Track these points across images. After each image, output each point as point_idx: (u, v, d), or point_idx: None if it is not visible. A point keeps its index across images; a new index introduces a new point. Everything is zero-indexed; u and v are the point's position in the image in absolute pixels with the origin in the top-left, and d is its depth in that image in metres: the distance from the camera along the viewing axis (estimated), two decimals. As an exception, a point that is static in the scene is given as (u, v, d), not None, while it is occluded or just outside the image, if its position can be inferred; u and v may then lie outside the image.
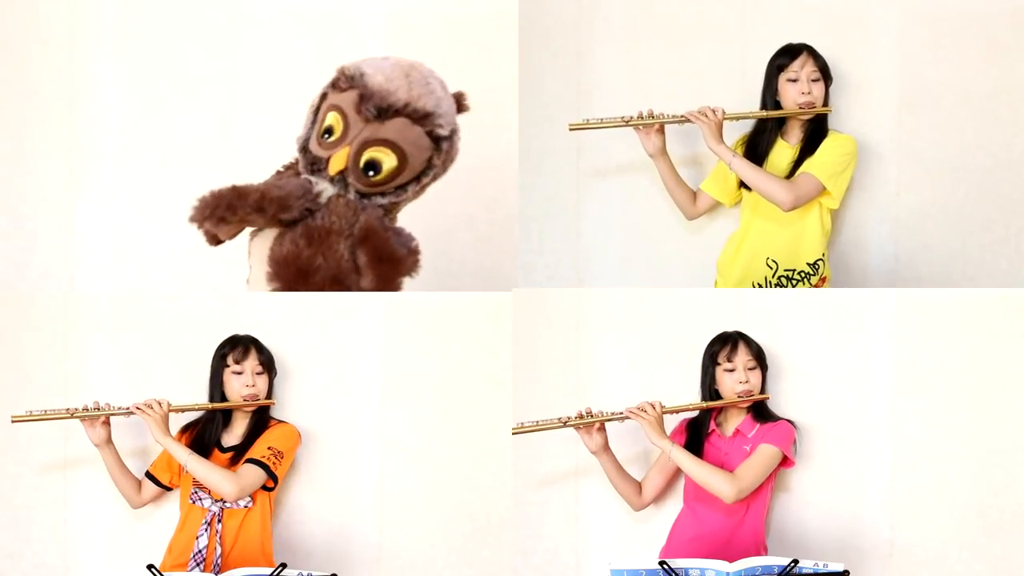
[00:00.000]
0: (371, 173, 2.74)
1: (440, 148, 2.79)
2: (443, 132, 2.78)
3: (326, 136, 2.77)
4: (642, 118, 3.31)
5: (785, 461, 3.09)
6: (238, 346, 3.20)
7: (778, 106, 3.36)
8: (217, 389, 3.19)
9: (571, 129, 3.31)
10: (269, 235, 2.86)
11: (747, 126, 3.45)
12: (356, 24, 3.63)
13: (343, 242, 2.71)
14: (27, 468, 3.36)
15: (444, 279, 3.63)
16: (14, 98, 3.66)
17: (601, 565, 3.29)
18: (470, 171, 3.61)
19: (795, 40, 3.38)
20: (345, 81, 2.75)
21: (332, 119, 2.76)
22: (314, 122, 2.81)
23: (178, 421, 3.21)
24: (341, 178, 2.77)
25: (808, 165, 3.33)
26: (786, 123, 3.41)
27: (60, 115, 3.66)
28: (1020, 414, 3.20)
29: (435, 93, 2.76)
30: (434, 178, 2.83)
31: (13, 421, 3.08)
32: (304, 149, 2.84)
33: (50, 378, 3.36)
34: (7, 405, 3.26)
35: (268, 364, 3.22)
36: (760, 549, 3.06)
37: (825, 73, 3.36)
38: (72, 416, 3.10)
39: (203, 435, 3.19)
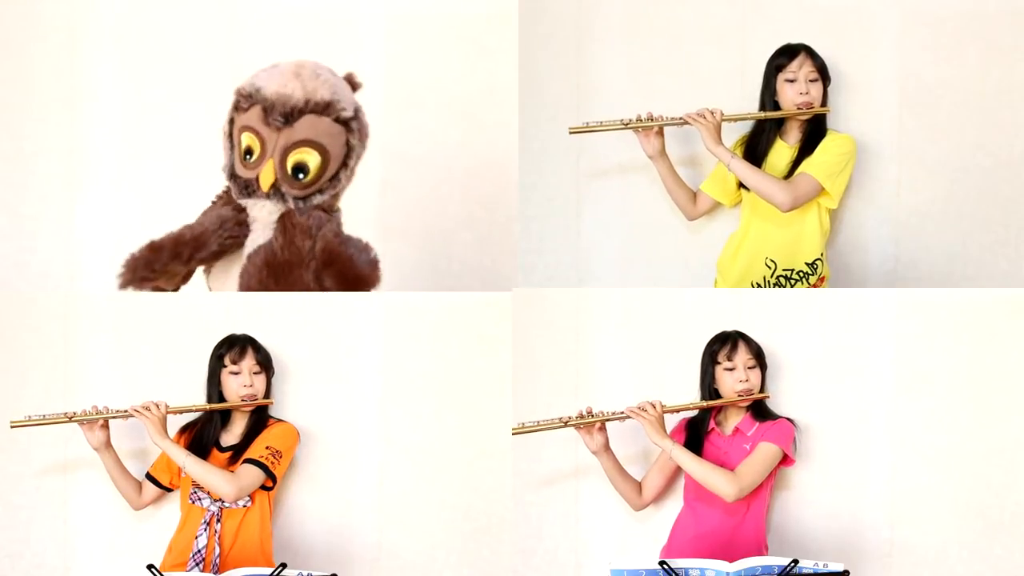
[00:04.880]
0: (301, 176, 2.82)
1: (351, 128, 2.87)
2: (347, 114, 2.85)
3: (248, 157, 2.84)
4: (641, 121, 3.31)
5: (785, 459, 3.09)
6: (235, 346, 3.20)
7: (777, 107, 3.36)
8: (215, 389, 3.19)
9: (571, 133, 3.31)
10: (225, 270, 2.90)
11: (746, 127, 3.45)
12: (356, 24, 3.64)
13: (307, 272, 2.78)
14: (27, 468, 3.36)
15: (444, 279, 3.63)
16: (14, 98, 3.66)
17: (601, 565, 3.29)
18: (470, 171, 3.63)
19: (795, 40, 3.38)
20: (245, 101, 2.84)
21: (248, 140, 2.83)
22: (232, 147, 2.88)
23: (177, 421, 3.21)
24: (276, 191, 2.84)
25: (806, 165, 3.33)
26: (785, 123, 3.41)
27: (60, 115, 3.66)
28: (1020, 414, 3.20)
29: (328, 82, 2.84)
30: (357, 158, 2.91)
31: (12, 426, 3.08)
32: (232, 176, 2.90)
33: (50, 378, 3.36)
34: (7, 404, 3.27)
35: (265, 363, 3.22)
36: (761, 548, 3.06)
37: (823, 73, 3.35)
38: (71, 420, 3.09)
39: (202, 435, 3.18)
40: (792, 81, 3.34)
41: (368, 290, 2.82)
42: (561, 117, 3.57)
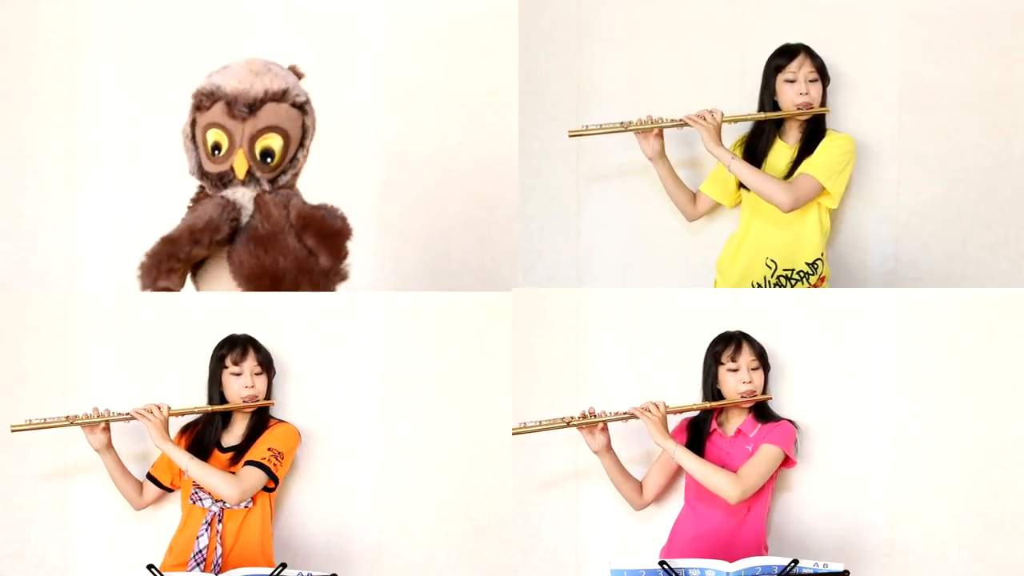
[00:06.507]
0: (268, 160, 2.97)
1: (305, 111, 3.02)
2: (301, 99, 3.01)
3: (216, 152, 2.97)
4: (640, 123, 3.31)
5: (787, 461, 3.10)
6: (236, 347, 3.20)
7: (776, 107, 3.36)
8: (216, 390, 3.19)
9: (570, 136, 3.31)
10: (213, 268, 2.97)
11: (746, 127, 3.45)
12: (356, 24, 3.64)
13: (290, 236, 2.91)
14: (27, 468, 3.36)
15: (444, 279, 3.63)
16: (14, 98, 3.66)
17: (601, 565, 3.29)
18: (470, 171, 3.63)
19: (794, 40, 3.38)
20: (207, 99, 2.97)
21: (214, 135, 2.97)
22: (196, 148, 3.00)
23: (178, 422, 3.21)
24: (251, 176, 2.97)
25: (806, 165, 3.33)
26: (784, 124, 3.41)
27: (60, 115, 3.66)
28: (1020, 414, 3.20)
29: (279, 74, 3.00)
30: (311, 137, 3.06)
31: (13, 430, 3.08)
32: (203, 174, 3.01)
33: (49, 378, 3.36)
34: (7, 405, 3.27)
35: (267, 364, 3.22)
36: (761, 549, 3.07)
37: (823, 73, 3.35)
38: (72, 424, 3.09)
39: (203, 436, 3.18)
40: (791, 81, 3.34)
41: (344, 242, 2.95)
42: (561, 117, 3.56)
